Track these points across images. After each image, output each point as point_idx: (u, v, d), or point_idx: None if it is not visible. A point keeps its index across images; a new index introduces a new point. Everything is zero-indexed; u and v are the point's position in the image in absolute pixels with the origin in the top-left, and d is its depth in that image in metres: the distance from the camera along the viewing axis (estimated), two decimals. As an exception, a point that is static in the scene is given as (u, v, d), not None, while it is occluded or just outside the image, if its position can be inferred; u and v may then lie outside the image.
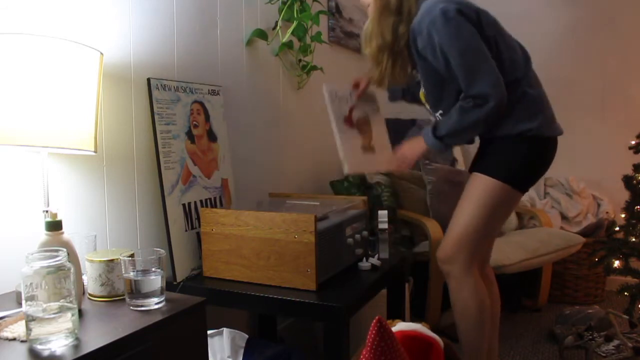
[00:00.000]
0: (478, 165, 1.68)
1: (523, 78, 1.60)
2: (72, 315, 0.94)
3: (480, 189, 1.62)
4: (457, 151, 3.18)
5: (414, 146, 1.73)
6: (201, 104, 1.77)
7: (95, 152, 1.24)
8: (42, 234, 1.07)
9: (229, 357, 1.57)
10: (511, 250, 2.39)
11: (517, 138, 1.58)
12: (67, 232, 1.12)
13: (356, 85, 1.94)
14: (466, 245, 1.63)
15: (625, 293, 2.35)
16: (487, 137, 1.64)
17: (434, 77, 1.63)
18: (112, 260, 1.18)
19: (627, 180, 2.40)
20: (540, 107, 1.61)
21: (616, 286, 2.43)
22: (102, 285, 1.17)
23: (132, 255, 1.16)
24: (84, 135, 1.19)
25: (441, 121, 1.63)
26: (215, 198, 1.78)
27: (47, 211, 1.15)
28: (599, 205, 3.12)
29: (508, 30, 1.65)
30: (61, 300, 0.93)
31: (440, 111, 1.69)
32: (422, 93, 1.78)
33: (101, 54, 1.27)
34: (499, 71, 1.52)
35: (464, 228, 1.63)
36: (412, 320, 1.48)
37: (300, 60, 2.37)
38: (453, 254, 1.64)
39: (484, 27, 1.55)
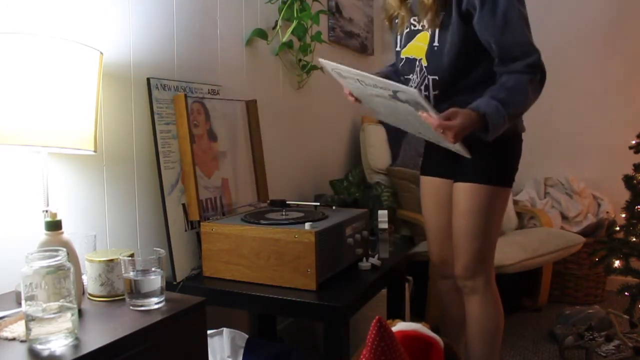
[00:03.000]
0: (467, 174, 1.57)
1: None
2: (72, 315, 0.94)
3: (482, 198, 1.55)
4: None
5: (468, 120, 1.34)
6: (201, 103, 1.77)
7: (95, 151, 1.24)
8: (42, 234, 1.07)
9: (228, 357, 1.57)
10: (511, 250, 2.39)
11: (504, 137, 1.47)
12: (67, 232, 1.12)
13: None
14: (487, 257, 1.61)
15: (626, 293, 2.34)
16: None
17: (464, 46, 1.45)
18: (112, 260, 1.18)
19: (627, 180, 2.40)
20: None
21: (616, 286, 2.43)
22: (102, 285, 1.17)
23: (132, 255, 1.16)
24: (83, 135, 1.19)
25: (502, 96, 1.37)
26: (215, 198, 1.78)
27: (47, 211, 1.15)
28: (599, 205, 3.12)
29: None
30: (61, 300, 0.93)
31: (435, 77, 1.50)
32: (414, 45, 1.55)
33: (101, 53, 1.27)
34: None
35: (481, 243, 1.57)
36: (412, 320, 1.48)
37: (300, 60, 2.37)
38: (476, 267, 1.59)
39: None
